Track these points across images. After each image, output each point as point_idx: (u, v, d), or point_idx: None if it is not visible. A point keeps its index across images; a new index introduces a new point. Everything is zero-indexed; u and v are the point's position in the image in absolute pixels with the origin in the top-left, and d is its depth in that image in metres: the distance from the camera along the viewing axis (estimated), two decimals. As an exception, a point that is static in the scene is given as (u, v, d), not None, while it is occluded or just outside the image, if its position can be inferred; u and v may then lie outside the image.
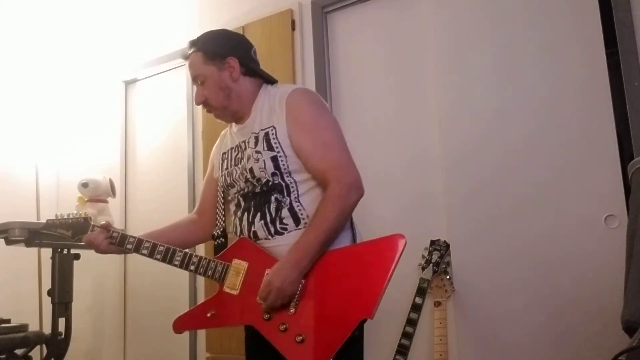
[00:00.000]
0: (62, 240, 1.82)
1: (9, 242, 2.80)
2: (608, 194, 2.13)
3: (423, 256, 2.41)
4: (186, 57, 1.64)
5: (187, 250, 1.59)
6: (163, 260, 1.57)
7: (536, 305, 2.21)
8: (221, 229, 1.66)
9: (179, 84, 3.59)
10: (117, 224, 3.49)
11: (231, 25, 3.29)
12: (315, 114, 1.54)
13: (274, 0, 3.12)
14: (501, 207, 2.34)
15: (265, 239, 1.51)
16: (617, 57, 2.18)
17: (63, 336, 2.94)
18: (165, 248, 1.57)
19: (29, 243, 2.80)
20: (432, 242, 2.42)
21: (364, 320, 1.40)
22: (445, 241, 2.42)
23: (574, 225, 2.18)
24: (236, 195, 1.61)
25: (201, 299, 3.20)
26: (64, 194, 3.88)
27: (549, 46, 2.31)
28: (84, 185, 3.19)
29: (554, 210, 2.23)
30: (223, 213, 1.69)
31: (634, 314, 1.21)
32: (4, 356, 2.73)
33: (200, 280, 3.24)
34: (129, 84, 3.91)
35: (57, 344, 2.90)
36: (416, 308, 2.27)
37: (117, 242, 1.61)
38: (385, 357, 2.34)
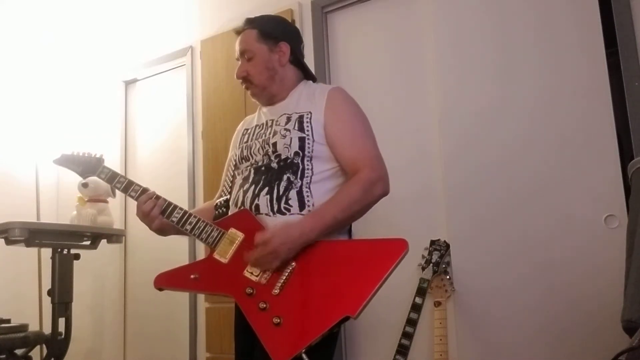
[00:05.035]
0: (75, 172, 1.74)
1: (9, 242, 2.80)
2: (608, 194, 2.13)
3: (423, 256, 2.41)
4: (239, 32, 1.67)
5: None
6: (162, 213, 1.54)
7: (536, 305, 2.22)
8: (224, 199, 1.64)
9: (179, 84, 3.59)
10: (117, 224, 3.50)
11: (231, 25, 3.29)
12: (354, 110, 1.60)
13: (274, 0, 3.11)
14: (501, 207, 2.34)
15: (266, 214, 1.48)
16: (617, 57, 2.18)
17: (63, 336, 2.94)
18: (167, 203, 1.56)
19: (29, 243, 2.80)
20: (432, 242, 2.42)
21: (346, 319, 1.33)
22: (445, 241, 2.42)
23: (574, 225, 2.18)
24: (248, 167, 1.59)
25: (201, 299, 3.20)
26: (64, 194, 3.88)
27: (548, 46, 2.31)
28: (84, 185, 3.19)
29: (554, 210, 2.23)
30: (230, 185, 1.66)
31: (634, 314, 1.21)
32: (4, 356, 2.73)
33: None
34: (129, 84, 3.91)
35: (57, 344, 2.90)
36: (416, 308, 2.27)
37: (123, 188, 1.61)
38: (385, 357, 2.34)
